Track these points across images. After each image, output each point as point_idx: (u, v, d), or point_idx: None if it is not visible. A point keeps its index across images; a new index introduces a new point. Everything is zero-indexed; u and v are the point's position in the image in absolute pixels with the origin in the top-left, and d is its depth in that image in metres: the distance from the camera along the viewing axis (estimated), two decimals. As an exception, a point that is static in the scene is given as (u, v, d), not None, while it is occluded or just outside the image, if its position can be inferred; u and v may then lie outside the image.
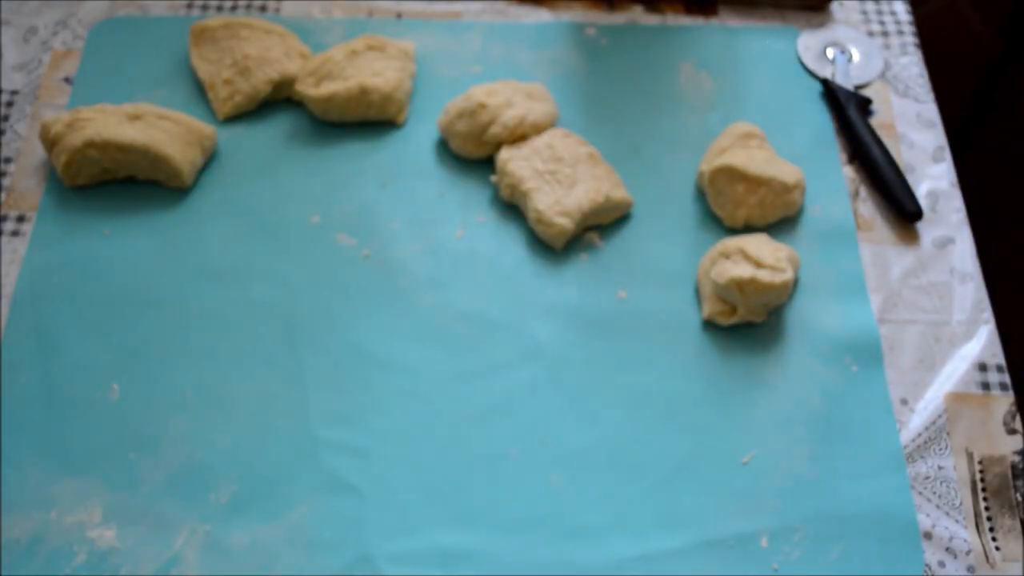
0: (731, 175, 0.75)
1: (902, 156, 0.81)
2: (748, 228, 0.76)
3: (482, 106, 0.78)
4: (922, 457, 0.67)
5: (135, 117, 0.77)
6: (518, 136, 0.78)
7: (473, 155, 0.79)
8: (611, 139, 0.82)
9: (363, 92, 0.79)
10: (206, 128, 0.79)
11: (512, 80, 0.82)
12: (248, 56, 0.81)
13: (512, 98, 0.79)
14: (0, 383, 0.68)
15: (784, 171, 0.76)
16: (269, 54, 0.82)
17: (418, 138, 0.82)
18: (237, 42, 0.83)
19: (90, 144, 0.75)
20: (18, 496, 0.64)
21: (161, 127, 0.77)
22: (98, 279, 0.73)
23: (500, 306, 0.73)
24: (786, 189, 0.75)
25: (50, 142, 0.77)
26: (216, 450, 0.66)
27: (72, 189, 0.77)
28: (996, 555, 0.63)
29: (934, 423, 0.68)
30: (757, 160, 0.75)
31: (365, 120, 0.82)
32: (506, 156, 0.76)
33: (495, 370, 0.70)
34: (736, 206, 0.75)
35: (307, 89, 0.80)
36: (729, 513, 0.64)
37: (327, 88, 0.79)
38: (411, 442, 0.67)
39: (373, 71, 0.80)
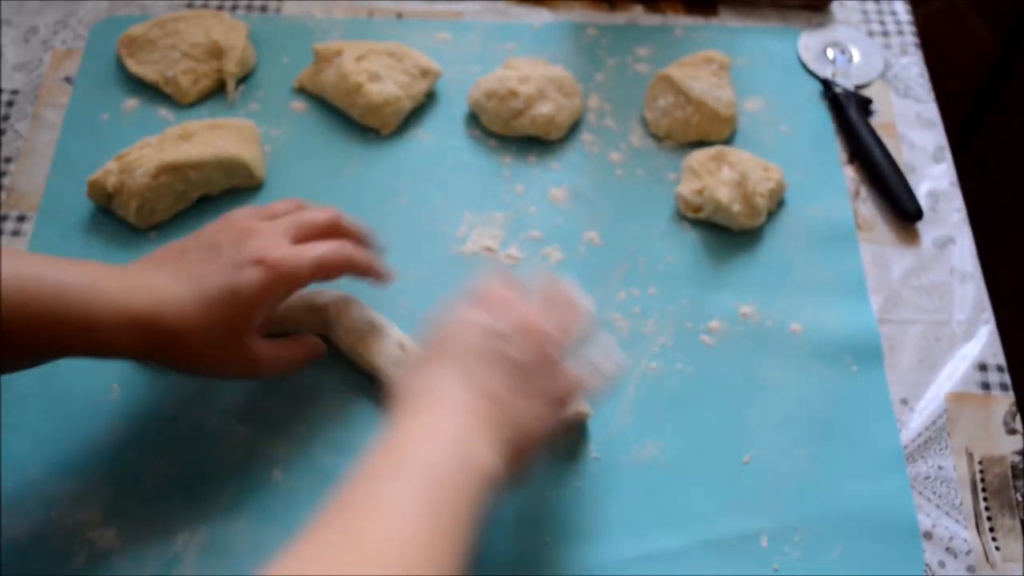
0: (667, 85, 0.80)
1: (902, 156, 0.81)
2: (668, 140, 0.81)
3: (513, 93, 0.79)
4: (922, 457, 0.67)
5: (187, 135, 0.76)
6: (543, 131, 0.79)
7: (500, 133, 0.81)
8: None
9: (349, 93, 0.80)
10: (249, 124, 0.79)
11: (539, 60, 0.83)
12: (197, 45, 0.83)
13: (545, 88, 0.79)
14: (0, 382, 0.68)
15: (722, 100, 0.79)
16: (220, 38, 0.83)
17: (412, 143, 0.82)
18: (178, 37, 0.83)
19: (162, 171, 0.73)
20: (18, 496, 0.64)
21: (217, 136, 0.77)
22: (98, 279, 0.73)
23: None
24: (715, 117, 0.79)
25: (108, 196, 0.74)
26: (217, 450, 0.66)
27: (74, 190, 0.77)
28: (996, 555, 0.63)
29: (934, 423, 0.68)
30: (699, 81, 0.80)
31: (350, 117, 0.82)
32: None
33: (495, 370, 0.70)
34: (663, 115, 0.80)
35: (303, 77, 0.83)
36: (729, 513, 0.64)
37: (322, 74, 0.81)
38: (411, 442, 0.66)
39: (370, 75, 0.80)
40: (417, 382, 0.55)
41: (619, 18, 0.90)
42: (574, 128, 0.82)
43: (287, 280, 0.61)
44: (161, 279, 0.59)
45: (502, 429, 0.53)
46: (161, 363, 0.61)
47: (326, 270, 0.63)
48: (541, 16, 0.90)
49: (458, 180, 0.79)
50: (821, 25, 0.89)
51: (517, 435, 0.54)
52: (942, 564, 0.63)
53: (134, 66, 0.83)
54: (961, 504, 0.65)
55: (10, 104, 0.83)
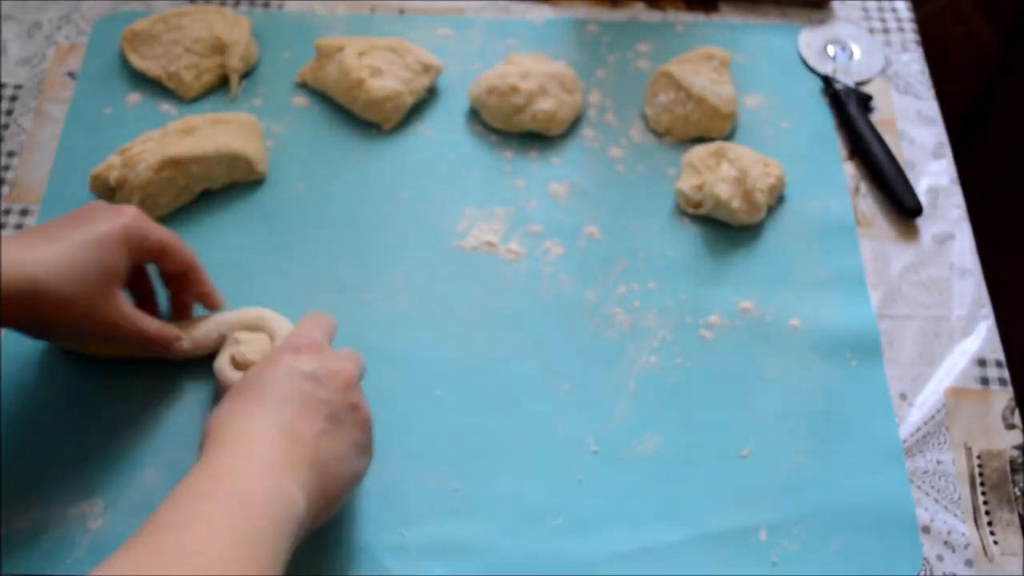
0: (668, 82, 0.80)
1: (903, 152, 0.81)
2: (669, 136, 0.81)
3: (514, 89, 0.79)
4: (921, 452, 0.67)
5: (189, 130, 0.76)
6: (544, 127, 0.80)
7: (501, 129, 0.81)
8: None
9: (350, 88, 0.80)
10: (251, 119, 0.79)
11: (541, 56, 0.83)
12: (200, 40, 0.83)
13: (547, 85, 0.80)
14: (0, 373, 0.68)
15: (722, 97, 0.79)
16: (223, 33, 0.83)
17: (413, 138, 0.82)
18: (181, 32, 0.84)
19: (164, 165, 0.73)
20: (19, 487, 0.64)
21: (219, 130, 0.77)
22: (101, 272, 0.73)
23: (500, 300, 0.73)
24: (716, 113, 0.79)
25: (110, 190, 0.74)
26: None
27: (77, 184, 0.77)
28: (994, 549, 0.63)
29: (933, 418, 0.68)
30: (700, 77, 0.80)
31: (352, 113, 0.82)
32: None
33: (496, 364, 0.70)
34: (663, 111, 0.81)
35: (305, 73, 0.84)
36: (728, 506, 0.64)
37: (324, 70, 0.82)
38: (412, 434, 0.67)
39: (372, 71, 0.80)
40: (230, 422, 0.55)
41: (620, 15, 0.90)
42: (575, 124, 0.82)
43: (142, 230, 0.63)
44: (35, 238, 0.60)
45: (311, 471, 0.53)
46: (27, 321, 0.61)
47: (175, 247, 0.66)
48: (543, 12, 0.90)
49: (459, 175, 0.79)
50: (822, 22, 0.90)
51: (324, 478, 0.54)
52: (940, 558, 0.63)
53: (137, 61, 0.84)
54: (959, 498, 0.65)
55: (14, 99, 0.84)
